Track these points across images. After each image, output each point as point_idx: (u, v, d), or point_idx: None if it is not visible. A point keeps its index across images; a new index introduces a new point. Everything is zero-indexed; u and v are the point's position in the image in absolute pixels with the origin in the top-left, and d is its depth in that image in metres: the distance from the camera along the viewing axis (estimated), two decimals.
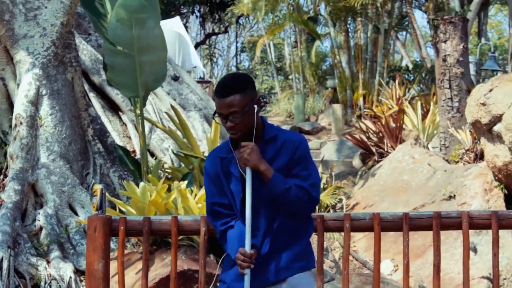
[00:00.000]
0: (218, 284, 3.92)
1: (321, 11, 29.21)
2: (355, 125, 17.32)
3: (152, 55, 8.77)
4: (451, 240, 7.94)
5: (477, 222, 4.59)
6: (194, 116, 12.32)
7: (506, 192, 8.74)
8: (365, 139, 13.23)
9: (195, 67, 25.01)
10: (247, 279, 3.64)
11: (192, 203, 7.38)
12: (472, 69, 16.04)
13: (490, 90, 8.37)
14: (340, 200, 10.54)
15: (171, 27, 21.12)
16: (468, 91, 10.36)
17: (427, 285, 7.48)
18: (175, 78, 13.19)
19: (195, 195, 7.64)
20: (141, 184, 7.82)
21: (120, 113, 12.07)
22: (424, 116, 13.80)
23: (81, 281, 7.66)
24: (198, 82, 22.28)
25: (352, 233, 4.53)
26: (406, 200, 9.49)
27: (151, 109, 12.16)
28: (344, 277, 4.44)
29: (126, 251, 7.57)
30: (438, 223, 4.49)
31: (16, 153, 8.73)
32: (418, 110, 13.57)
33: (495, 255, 4.53)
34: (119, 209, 8.02)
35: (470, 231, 4.58)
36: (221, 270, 3.86)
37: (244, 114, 3.57)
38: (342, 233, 4.53)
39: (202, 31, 38.65)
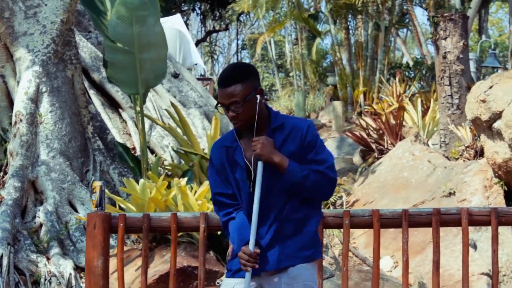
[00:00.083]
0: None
1: (321, 8, 29.20)
2: (356, 122, 17.33)
3: (153, 52, 8.77)
4: (451, 236, 7.94)
5: (477, 219, 4.59)
6: (194, 113, 12.32)
7: (506, 188, 8.74)
8: (365, 136, 13.22)
9: (196, 64, 25.00)
10: (248, 276, 3.61)
11: (192, 200, 7.39)
12: (472, 66, 16.02)
13: (490, 87, 8.37)
14: (340, 197, 10.54)
15: (172, 24, 21.10)
16: (468, 88, 10.35)
17: (427, 281, 7.49)
18: (175, 76, 13.19)
19: (195, 192, 7.64)
20: (141, 181, 7.83)
21: (120, 110, 12.08)
22: (424, 113, 13.79)
23: (81, 277, 7.67)
24: (198, 79, 22.26)
25: (352, 230, 4.54)
26: (406, 197, 9.49)
27: (151, 106, 12.17)
28: (344, 273, 4.44)
29: (126, 248, 7.59)
30: (438, 220, 4.49)
31: (16, 150, 8.73)
32: (418, 107, 13.56)
33: (494, 251, 4.53)
34: (119, 206, 8.02)
35: (469, 227, 4.58)
36: (228, 259, 3.83)
37: (245, 103, 3.56)
38: (342, 230, 4.53)
39: (203, 29, 38.64)
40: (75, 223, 8.44)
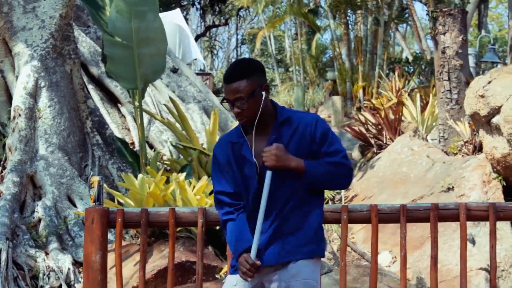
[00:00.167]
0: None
1: (321, 3, 29.18)
2: (355, 117, 17.32)
3: (152, 47, 8.77)
4: (450, 231, 7.95)
5: (475, 214, 4.59)
6: (193, 108, 12.31)
7: (505, 183, 8.74)
8: (364, 131, 13.22)
9: (196, 59, 24.99)
10: (247, 284, 3.60)
11: (191, 194, 7.39)
12: (471, 61, 16.00)
13: (489, 82, 8.36)
14: (339, 192, 10.55)
15: (172, 19, 21.06)
16: (467, 83, 10.34)
17: (425, 276, 7.50)
18: (174, 70, 13.18)
19: (194, 187, 7.64)
20: (140, 176, 7.83)
21: (119, 105, 12.07)
22: (423, 108, 13.78)
23: (79, 272, 7.67)
24: (198, 74, 22.25)
25: (350, 225, 4.53)
26: (404, 192, 9.50)
27: (150, 101, 12.16)
28: (342, 268, 4.44)
29: (124, 243, 7.59)
30: (436, 215, 4.49)
31: (14, 145, 8.73)
32: (417, 102, 13.55)
33: (492, 247, 4.53)
34: (118, 201, 8.03)
35: (468, 222, 4.58)
36: (232, 256, 3.81)
37: (250, 100, 3.54)
38: (340, 225, 4.53)
39: (203, 23, 38.59)
40: (73, 218, 8.44)
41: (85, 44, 12.11)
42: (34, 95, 9.14)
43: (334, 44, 24.22)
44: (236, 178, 3.71)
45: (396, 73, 17.01)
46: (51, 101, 9.22)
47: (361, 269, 7.16)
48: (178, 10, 23.46)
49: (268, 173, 3.56)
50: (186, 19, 29.90)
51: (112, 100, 12.09)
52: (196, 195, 7.42)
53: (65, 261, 7.67)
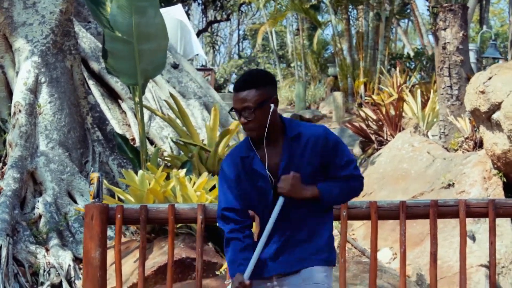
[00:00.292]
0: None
1: None
2: (356, 113, 17.31)
3: (152, 43, 8.76)
4: (450, 228, 7.94)
5: (474, 211, 4.60)
6: (194, 104, 12.31)
7: (505, 180, 8.74)
8: (365, 127, 13.21)
9: (197, 54, 24.98)
10: None
11: (191, 191, 7.39)
12: (473, 57, 15.99)
13: (489, 78, 8.35)
14: None
15: (173, 14, 21.07)
16: (468, 79, 10.33)
17: (425, 273, 7.49)
18: (175, 66, 13.18)
19: (194, 183, 7.64)
20: (140, 172, 7.83)
21: (120, 101, 12.07)
22: (424, 104, 13.77)
23: (80, 269, 7.67)
24: (199, 70, 22.28)
25: (351, 221, 4.54)
26: (405, 188, 9.49)
27: (151, 97, 12.16)
28: (342, 265, 4.45)
29: (125, 239, 7.60)
30: (435, 212, 4.49)
31: (15, 141, 8.73)
32: (417, 98, 13.53)
33: (492, 243, 4.53)
34: (118, 197, 8.03)
35: (468, 219, 4.58)
36: None
37: (257, 110, 3.46)
38: (340, 221, 4.53)
39: (204, 19, 38.61)
40: (74, 214, 8.44)
41: (86, 39, 12.11)
42: (34, 91, 9.14)
43: (336, 39, 24.22)
44: (247, 193, 3.65)
45: (397, 69, 17.00)
46: (52, 97, 9.21)
47: (361, 265, 7.16)
48: (179, 5, 23.47)
49: (281, 199, 3.54)
50: (188, 14, 29.90)
51: (113, 96, 12.08)
52: (196, 191, 7.42)
53: (65, 258, 7.67)
